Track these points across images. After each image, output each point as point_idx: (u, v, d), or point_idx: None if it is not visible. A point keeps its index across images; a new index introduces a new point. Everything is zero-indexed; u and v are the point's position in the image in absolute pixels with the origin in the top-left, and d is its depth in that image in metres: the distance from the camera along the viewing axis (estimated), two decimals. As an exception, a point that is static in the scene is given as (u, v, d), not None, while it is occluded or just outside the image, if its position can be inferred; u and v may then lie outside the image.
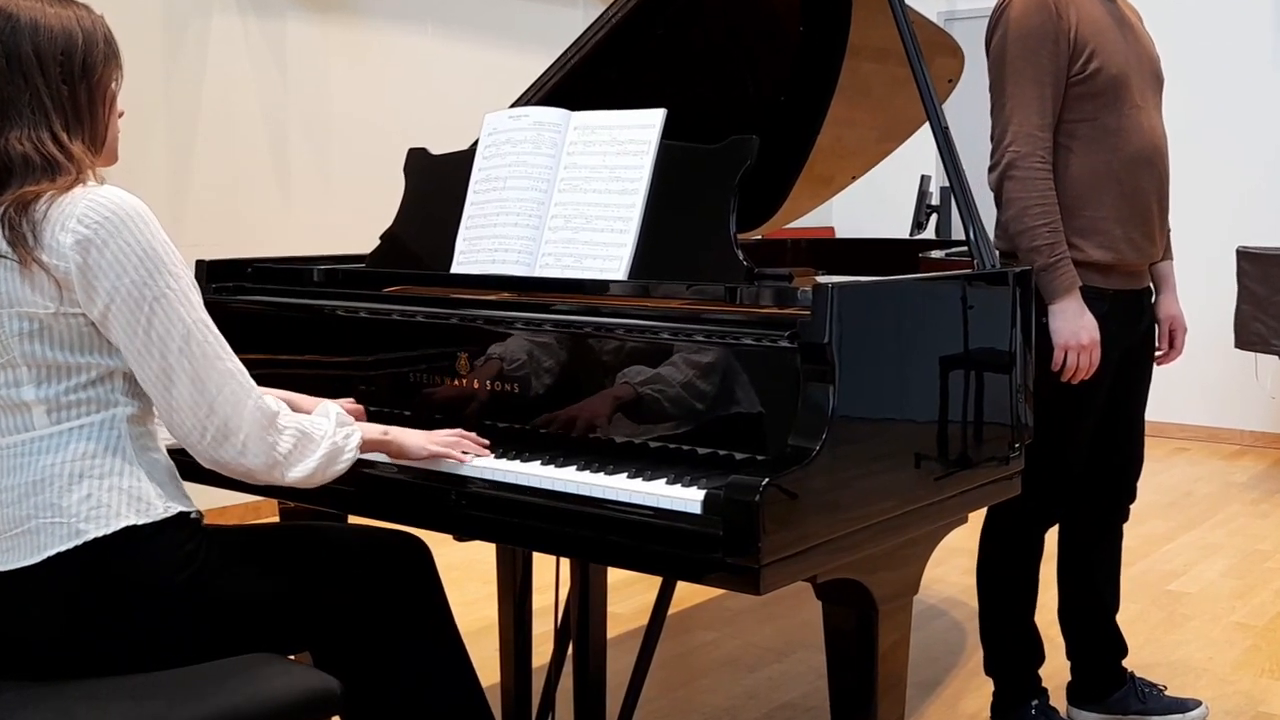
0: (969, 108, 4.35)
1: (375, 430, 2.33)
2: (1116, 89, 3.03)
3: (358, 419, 2.42)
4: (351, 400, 2.58)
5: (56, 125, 2.08)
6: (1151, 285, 3.31)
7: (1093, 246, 3.05)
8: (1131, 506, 3.42)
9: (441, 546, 2.49)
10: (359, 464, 2.30)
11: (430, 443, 2.34)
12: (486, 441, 2.40)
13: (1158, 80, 3.19)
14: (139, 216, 2.03)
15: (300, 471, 2.15)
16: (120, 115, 2.21)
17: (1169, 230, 3.31)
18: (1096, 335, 3.00)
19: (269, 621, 2.19)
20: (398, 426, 2.39)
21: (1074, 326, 2.98)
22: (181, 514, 2.11)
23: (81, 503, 2.03)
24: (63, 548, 2.02)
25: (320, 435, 2.18)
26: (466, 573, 4.57)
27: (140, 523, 2.05)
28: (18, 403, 2.06)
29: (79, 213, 2.00)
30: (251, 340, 2.84)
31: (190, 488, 2.22)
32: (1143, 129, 3.07)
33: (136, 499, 2.07)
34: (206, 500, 2.53)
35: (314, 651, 2.33)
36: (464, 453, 2.35)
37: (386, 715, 2.31)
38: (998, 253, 3.11)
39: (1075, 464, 3.22)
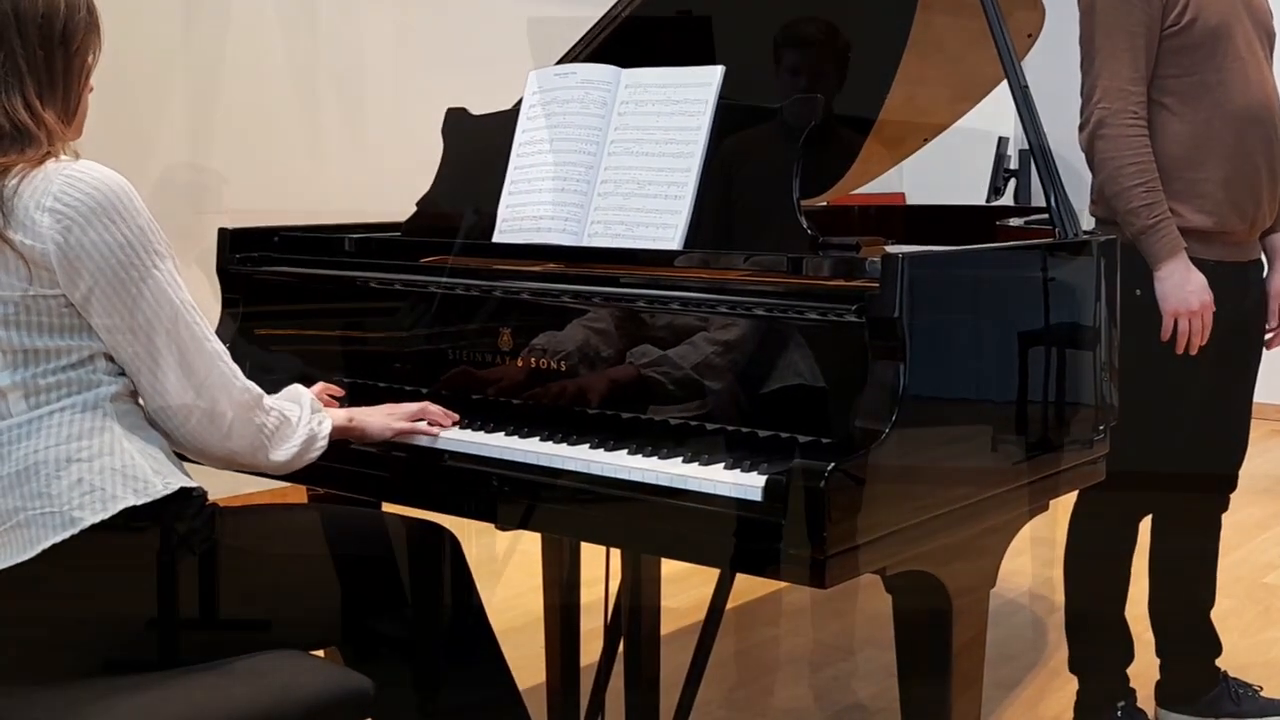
0: (1050, 65, 4.32)
1: (341, 416, 2.39)
2: (1217, 41, 2.99)
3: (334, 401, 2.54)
4: (323, 386, 2.60)
5: (30, 91, 2.08)
6: (1262, 258, 3.27)
7: (1192, 211, 3.01)
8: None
9: (483, 536, 2.51)
10: (393, 448, 2.34)
11: (393, 421, 2.42)
12: (455, 415, 2.46)
13: (1268, 34, 3.15)
14: (123, 193, 2.04)
15: (283, 454, 2.23)
16: (89, 90, 2.21)
17: None
18: (1207, 298, 2.97)
19: (287, 612, 2.20)
20: (361, 408, 2.46)
21: (1182, 291, 2.95)
22: (183, 490, 2.09)
23: (73, 488, 2.01)
24: (58, 538, 2.00)
25: (297, 420, 2.26)
26: (510, 564, 4.58)
27: (139, 503, 2.03)
28: None
29: (56, 190, 2.00)
30: (278, 314, 2.87)
31: (203, 477, 2.22)
32: (1249, 84, 3.03)
33: (132, 478, 2.04)
34: (227, 489, 2.55)
35: (342, 648, 2.35)
36: (431, 424, 2.43)
37: (417, 715, 2.33)
38: (1094, 219, 3.10)
39: (1173, 448, 3.18)
